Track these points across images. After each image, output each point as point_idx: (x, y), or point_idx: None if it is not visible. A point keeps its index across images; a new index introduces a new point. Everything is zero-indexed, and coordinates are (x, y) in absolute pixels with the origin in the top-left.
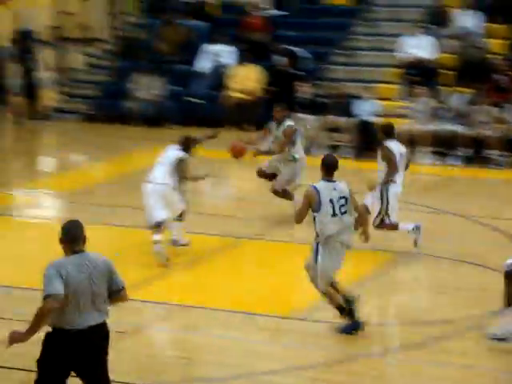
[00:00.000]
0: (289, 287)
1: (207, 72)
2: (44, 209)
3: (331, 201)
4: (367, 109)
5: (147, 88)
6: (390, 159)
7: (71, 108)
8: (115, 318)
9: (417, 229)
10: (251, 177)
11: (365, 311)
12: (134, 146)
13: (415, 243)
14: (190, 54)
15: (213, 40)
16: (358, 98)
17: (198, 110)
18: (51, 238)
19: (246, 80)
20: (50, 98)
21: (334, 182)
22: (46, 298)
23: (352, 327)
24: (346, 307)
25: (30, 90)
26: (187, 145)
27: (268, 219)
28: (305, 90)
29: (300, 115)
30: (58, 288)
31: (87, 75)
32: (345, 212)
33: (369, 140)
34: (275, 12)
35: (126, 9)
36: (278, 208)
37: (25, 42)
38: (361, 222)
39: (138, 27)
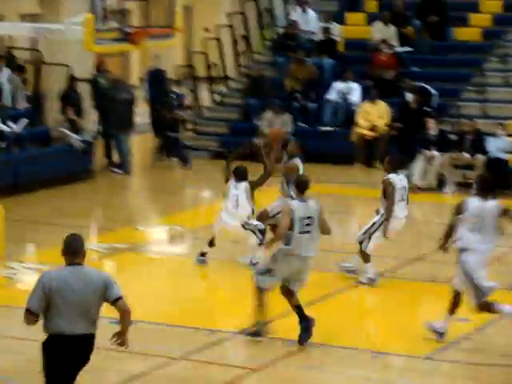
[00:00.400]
0: (415, 326)
1: (334, 108)
2: (174, 245)
3: (301, 219)
4: (499, 146)
5: (275, 125)
6: None
7: (200, 145)
8: (245, 354)
9: (371, 281)
10: None
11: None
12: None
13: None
14: (317, 91)
15: (339, 77)
16: (490, 134)
17: (325, 147)
18: (181, 273)
19: (375, 117)
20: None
21: (305, 201)
22: (25, 311)
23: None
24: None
25: (162, 127)
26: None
27: (399, 257)
28: (432, 127)
29: (428, 152)
30: (35, 305)
31: (216, 113)
32: (308, 231)
33: (500, 177)
34: (403, 49)
35: (254, 47)
36: (410, 246)
37: (157, 81)
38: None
39: (265, 65)
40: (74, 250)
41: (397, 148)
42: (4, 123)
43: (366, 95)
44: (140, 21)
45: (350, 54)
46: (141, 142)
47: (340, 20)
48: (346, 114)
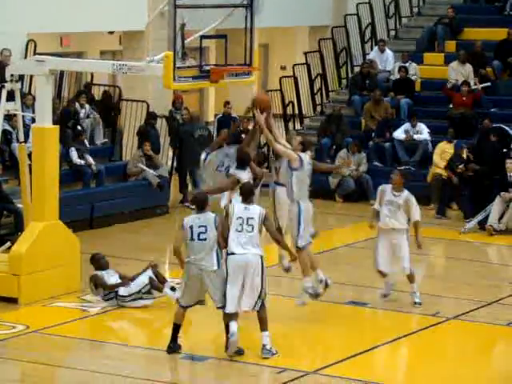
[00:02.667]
0: (492, 371)
1: (406, 148)
2: None
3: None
4: None
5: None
6: None
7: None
8: None
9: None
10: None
11: None
12: (335, 221)
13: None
14: (392, 131)
15: (413, 116)
16: None
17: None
18: None
19: (451, 157)
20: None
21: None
22: None
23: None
24: None
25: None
26: None
27: (476, 301)
28: (510, 169)
29: (507, 194)
30: None
31: None
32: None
33: None
34: (483, 84)
35: (330, 86)
36: (487, 289)
37: (231, 118)
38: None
39: (341, 103)
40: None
41: (473, 190)
42: (83, 158)
43: (443, 135)
44: (218, 58)
45: (425, 94)
46: None
47: (418, 60)
48: (422, 154)
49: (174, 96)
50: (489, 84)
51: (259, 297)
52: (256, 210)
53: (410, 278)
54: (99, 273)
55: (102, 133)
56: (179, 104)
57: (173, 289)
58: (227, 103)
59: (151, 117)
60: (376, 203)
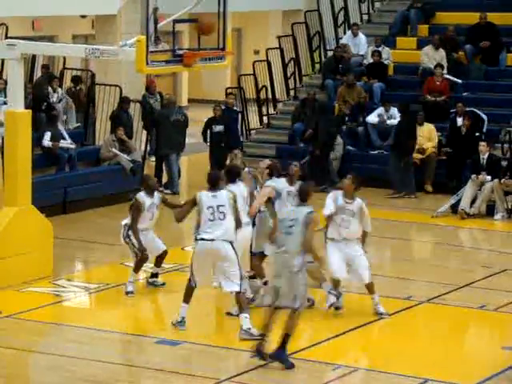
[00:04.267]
0: (463, 353)
1: (379, 132)
2: None
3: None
4: None
5: None
6: None
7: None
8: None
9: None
10: (428, 239)
11: None
12: None
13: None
14: (365, 115)
15: (387, 100)
16: None
17: (371, 170)
18: None
19: (423, 139)
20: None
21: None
22: None
23: None
24: None
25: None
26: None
27: (448, 284)
28: (484, 150)
29: (479, 177)
30: None
31: (264, 135)
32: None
33: None
34: (456, 79)
35: (304, 70)
36: (459, 272)
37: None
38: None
39: (315, 88)
40: None
41: (446, 173)
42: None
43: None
44: (191, 43)
45: (399, 78)
46: (190, 163)
47: (390, 44)
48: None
49: (148, 81)
50: (460, 81)
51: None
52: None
53: (370, 288)
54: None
55: (74, 117)
56: (153, 89)
57: (155, 275)
58: (230, 94)
59: (124, 101)
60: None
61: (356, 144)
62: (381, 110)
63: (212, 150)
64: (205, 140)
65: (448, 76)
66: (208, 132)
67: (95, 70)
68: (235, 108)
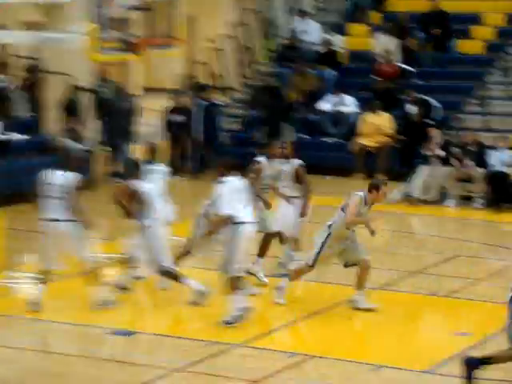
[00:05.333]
0: (414, 340)
1: (332, 119)
2: None
3: None
4: (501, 159)
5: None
6: None
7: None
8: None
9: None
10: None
11: None
12: None
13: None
14: (317, 102)
15: (340, 88)
16: (491, 148)
17: (326, 159)
18: None
19: (376, 128)
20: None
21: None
22: None
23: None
24: None
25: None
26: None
27: (399, 270)
28: (436, 136)
29: (430, 165)
30: None
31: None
32: None
33: (502, 191)
34: (407, 67)
35: (257, 58)
36: (411, 259)
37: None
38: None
39: (268, 76)
40: None
41: (399, 160)
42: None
43: (368, 106)
44: (143, 30)
45: (351, 66)
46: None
47: (342, 31)
48: (347, 126)
49: (100, 69)
50: (413, 70)
51: None
52: None
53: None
54: None
55: (25, 106)
56: (104, 77)
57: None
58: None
59: (74, 90)
60: None
61: (310, 132)
62: (331, 97)
63: (172, 140)
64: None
65: (400, 64)
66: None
67: (45, 57)
68: (217, 102)
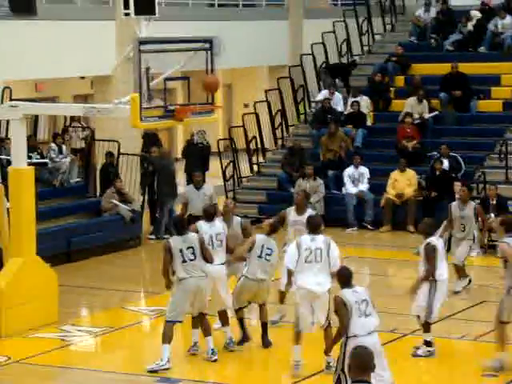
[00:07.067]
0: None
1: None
2: None
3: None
4: None
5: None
6: None
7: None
8: None
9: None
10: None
11: None
12: None
13: None
14: (349, 160)
15: (367, 146)
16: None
17: (358, 213)
18: None
19: (403, 184)
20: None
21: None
22: None
23: None
24: None
25: None
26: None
27: None
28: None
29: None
30: None
31: (254, 182)
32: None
33: None
34: (431, 114)
35: (291, 120)
36: None
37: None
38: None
39: (302, 137)
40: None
41: (423, 213)
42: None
43: (395, 164)
44: (183, 98)
45: (378, 126)
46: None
47: (368, 93)
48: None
49: (150, 134)
50: (436, 112)
51: None
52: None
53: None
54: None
55: (76, 172)
56: (154, 142)
57: None
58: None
59: (112, 155)
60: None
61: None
62: (350, 170)
63: None
64: None
65: (425, 115)
66: None
67: (95, 127)
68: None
